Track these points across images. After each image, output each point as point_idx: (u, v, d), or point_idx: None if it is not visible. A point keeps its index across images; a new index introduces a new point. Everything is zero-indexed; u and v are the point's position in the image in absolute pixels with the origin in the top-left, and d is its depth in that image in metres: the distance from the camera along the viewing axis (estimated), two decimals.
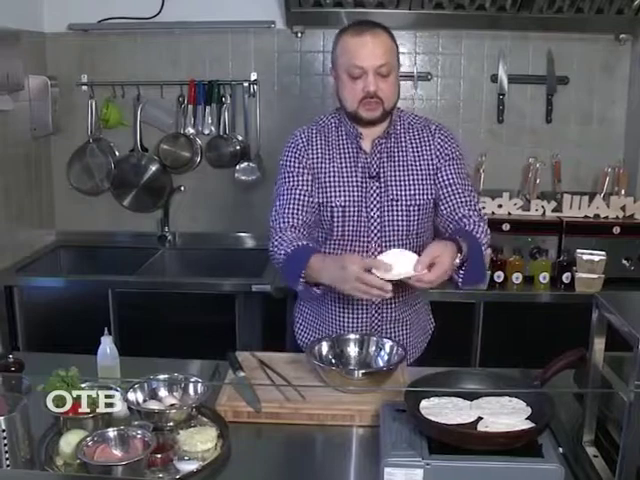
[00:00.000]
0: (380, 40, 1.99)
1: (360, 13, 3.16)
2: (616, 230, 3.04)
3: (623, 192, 3.22)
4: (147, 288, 3.07)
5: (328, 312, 2.21)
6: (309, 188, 2.10)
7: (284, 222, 2.07)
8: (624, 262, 3.05)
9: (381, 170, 2.10)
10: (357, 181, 2.09)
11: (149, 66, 3.48)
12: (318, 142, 2.13)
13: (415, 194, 2.09)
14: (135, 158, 3.56)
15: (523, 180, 3.45)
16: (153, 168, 3.57)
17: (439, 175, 2.11)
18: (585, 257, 2.95)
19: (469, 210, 2.09)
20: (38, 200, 3.50)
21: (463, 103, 3.50)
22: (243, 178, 3.56)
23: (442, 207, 2.12)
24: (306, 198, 2.09)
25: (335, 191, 2.09)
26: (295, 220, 2.07)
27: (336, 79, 2.07)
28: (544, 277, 3.00)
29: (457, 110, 3.50)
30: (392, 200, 2.09)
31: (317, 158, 2.12)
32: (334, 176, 2.10)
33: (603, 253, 2.95)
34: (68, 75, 3.47)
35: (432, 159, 2.12)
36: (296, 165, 2.12)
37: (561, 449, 1.55)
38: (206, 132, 3.52)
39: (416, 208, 2.10)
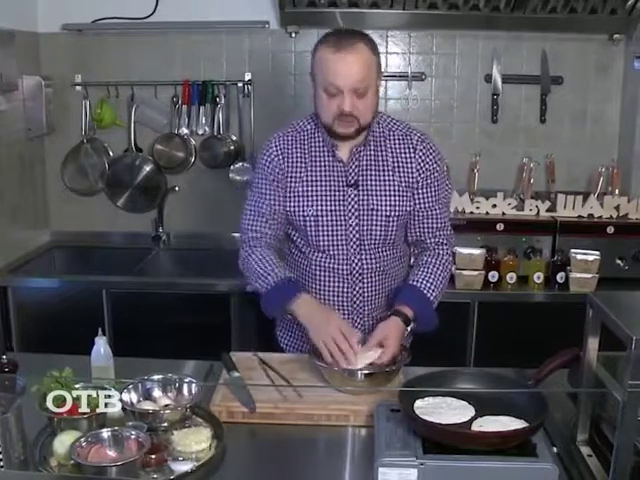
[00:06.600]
0: (359, 57, 1.91)
1: (354, 13, 3.18)
2: (610, 230, 3.05)
3: (617, 192, 3.23)
4: (141, 288, 3.06)
5: None
6: (278, 202, 2.12)
7: (254, 233, 2.16)
8: (618, 262, 3.05)
9: (360, 178, 2.08)
10: (332, 190, 2.08)
11: (143, 66, 3.47)
12: (293, 149, 2.12)
13: (395, 204, 2.09)
14: (129, 158, 3.56)
15: (517, 180, 3.45)
16: (147, 168, 3.57)
17: (417, 192, 2.11)
18: (579, 257, 2.96)
19: (439, 231, 2.15)
20: (32, 200, 3.49)
21: (457, 103, 3.50)
22: (237, 178, 3.56)
23: (413, 226, 2.15)
24: (275, 211, 2.12)
25: (308, 201, 2.08)
26: (264, 231, 2.15)
27: (314, 88, 2.03)
28: (538, 277, 3.01)
29: (451, 110, 3.50)
30: (371, 210, 2.08)
31: (291, 167, 2.10)
32: (308, 185, 2.09)
33: (597, 253, 2.96)
34: (62, 75, 3.46)
35: (412, 172, 2.10)
36: (267, 176, 2.12)
37: (555, 448, 1.55)
38: (200, 132, 3.51)
39: (395, 218, 2.10)
